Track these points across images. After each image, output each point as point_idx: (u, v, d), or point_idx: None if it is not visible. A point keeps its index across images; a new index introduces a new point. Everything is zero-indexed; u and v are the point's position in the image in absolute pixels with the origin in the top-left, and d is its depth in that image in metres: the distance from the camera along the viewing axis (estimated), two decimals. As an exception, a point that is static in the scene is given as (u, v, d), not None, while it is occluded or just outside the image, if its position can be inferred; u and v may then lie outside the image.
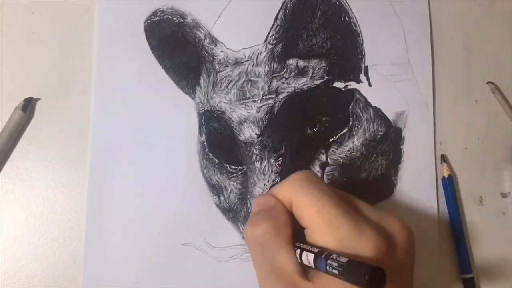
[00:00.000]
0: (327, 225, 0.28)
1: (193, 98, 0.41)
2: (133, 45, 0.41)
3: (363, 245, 0.27)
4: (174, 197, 0.40)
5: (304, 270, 0.29)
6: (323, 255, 0.27)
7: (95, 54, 0.41)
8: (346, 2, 0.42)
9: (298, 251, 0.29)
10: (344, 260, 0.25)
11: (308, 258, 0.28)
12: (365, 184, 0.41)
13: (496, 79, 0.44)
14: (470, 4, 0.45)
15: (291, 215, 0.30)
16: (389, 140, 0.42)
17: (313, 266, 0.27)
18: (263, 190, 0.39)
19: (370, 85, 0.42)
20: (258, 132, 0.40)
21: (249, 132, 0.40)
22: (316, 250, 0.27)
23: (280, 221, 0.30)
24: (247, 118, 0.40)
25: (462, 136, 0.43)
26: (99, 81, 0.41)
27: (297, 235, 0.30)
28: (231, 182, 0.41)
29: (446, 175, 0.41)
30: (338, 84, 0.41)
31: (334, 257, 0.26)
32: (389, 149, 0.42)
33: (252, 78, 0.41)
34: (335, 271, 0.25)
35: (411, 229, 0.30)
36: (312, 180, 0.30)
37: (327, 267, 0.26)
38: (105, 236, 0.39)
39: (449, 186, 0.41)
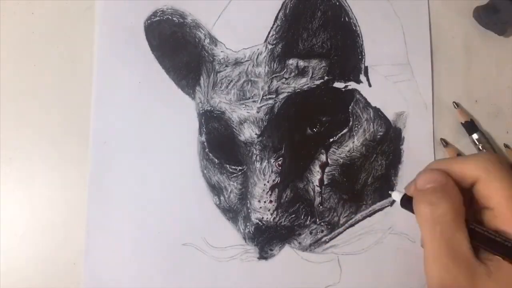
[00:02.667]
0: None
1: (193, 98, 0.41)
2: (133, 45, 0.41)
3: None
4: (174, 197, 0.40)
5: (476, 251, 0.29)
6: None
7: (95, 54, 0.41)
8: (346, 2, 0.42)
9: (482, 234, 0.29)
10: None
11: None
12: (365, 184, 0.41)
13: (496, 79, 0.44)
14: (470, 4, 0.45)
15: (464, 192, 0.30)
16: (389, 140, 0.42)
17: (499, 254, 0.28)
18: (263, 190, 0.39)
19: (370, 85, 0.42)
20: (258, 132, 0.40)
21: (249, 132, 0.40)
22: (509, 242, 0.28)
23: (459, 201, 0.29)
24: (247, 118, 0.40)
25: (462, 136, 0.43)
26: (99, 81, 0.41)
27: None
28: (231, 182, 0.41)
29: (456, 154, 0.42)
30: (338, 85, 0.41)
31: None
32: (389, 149, 0.42)
33: (252, 78, 0.41)
34: None
35: None
36: (503, 163, 0.30)
37: None
38: (105, 236, 0.39)
39: None
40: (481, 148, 0.42)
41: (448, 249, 0.29)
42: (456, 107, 0.43)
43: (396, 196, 0.34)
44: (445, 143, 0.42)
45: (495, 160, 0.30)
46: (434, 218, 0.29)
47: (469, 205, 0.30)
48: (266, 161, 0.40)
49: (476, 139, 0.42)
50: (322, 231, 0.40)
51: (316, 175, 0.41)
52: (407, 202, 0.33)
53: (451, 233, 0.29)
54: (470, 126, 0.42)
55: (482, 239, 0.29)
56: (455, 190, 0.30)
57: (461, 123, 0.43)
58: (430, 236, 0.30)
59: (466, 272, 0.28)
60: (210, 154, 0.41)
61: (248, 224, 0.40)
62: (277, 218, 0.40)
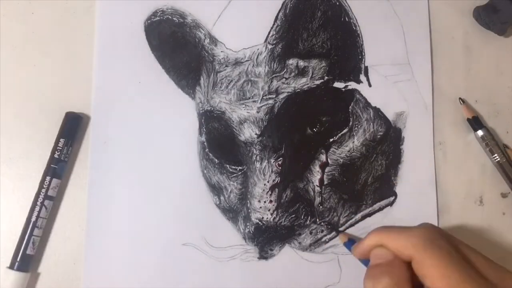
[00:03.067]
0: None
1: (193, 98, 0.41)
2: (133, 45, 0.41)
3: None
4: (174, 197, 0.40)
5: None
6: None
7: (95, 54, 0.41)
8: (346, 2, 0.42)
9: None
10: None
11: None
12: (365, 184, 0.41)
13: (496, 79, 0.44)
14: (470, 4, 0.45)
15: (410, 269, 0.30)
16: (389, 140, 0.42)
17: None
18: (263, 190, 0.39)
19: (370, 85, 0.42)
20: (258, 132, 0.40)
21: (249, 132, 0.40)
22: None
23: (401, 277, 0.30)
24: (247, 118, 0.40)
25: (462, 136, 0.43)
26: (99, 81, 0.41)
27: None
28: (231, 182, 0.41)
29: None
30: (338, 84, 0.41)
31: None
32: (389, 149, 0.42)
33: (252, 78, 0.41)
34: None
35: None
36: (435, 240, 0.30)
37: None
38: (105, 236, 0.39)
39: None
40: (485, 145, 0.42)
41: None
42: (462, 103, 0.43)
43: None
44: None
45: (425, 237, 0.30)
46: None
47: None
48: (266, 161, 0.40)
49: (481, 136, 0.42)
50: (322, 231, 0.40)
51: (316, 175, 0.41)
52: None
53: None
54: (476, 122, 0.42)
55: None
56: (397, 266, 0.30)
57: (467, 119, 0.43)
58: None
59: None
60: (210, 154, 0.41)
61: (248, 224, 0.40)
62: (277, 218, 0.40)
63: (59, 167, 0.39)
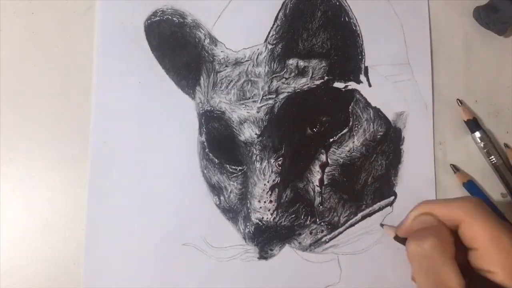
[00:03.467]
0: (501, 251, 0.29)
1: (193, 98, 0.42)
2: (133, 45, 0.41)
3: None
4: (174, 197, 0.40)
5: (468, 286, 0.30)
6: None
7: (95, 54, 0.41)
8: (346, 2, 0.42)
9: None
10: None
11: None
12: (365, 184, 0.41)
13: (496, 79, 0.44)
14: (470, 4, 0.45)
15: (454, 234, 0.31)
16: (389, 140, 0.42)
17: None
18: (263, 190, 0.39)
19: (370, 85, 0.42)
20: (258, 132, 0.40)
21: (249, 132, 0.40)
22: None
23: (447, 239, 0.31)
24: (247, 118, 0.40)
25: (462, 136, 0.43)
26: (99, 81, 0.41)
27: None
28: (231, 182, 0.41)
29: (465, 181, 0.42)
30: (338, 85, 0.41)
31: None
32: (389, 149, 0.42)
33: (252, 78, 0.41)
34: None
35: None
36: (484, 206, 0.31)
37: None
38: (105, 236, 0.39)
39: (474, 188, 0.42)
40: (482, 147, 0.42)
41: (435, 283, 0.30)
42: (460, 104, 0.43)
43: (389, 232, 0.38)
44: (456, 169, 0.42)
45: (476, 203, 0.31)
46: (421, 252, 0.31)
47: (457, 247, 0.31)
48: (266, 161, 0.40)
49: (479, 137, 0.42)
50: (322, 231, 0.40)
51: (316, 175, 0.41)
52: (399, 239, 0.36)
53: (438, 267, 0.30)
54: (473, 124, 0.42)
55: (471, 278, 0.30)
56: (443, 229, 0.31)
57: (464, 121, 0.43)
58: (418, 270, 0.31)
59: None
60: (210, 154, 0.41)
61: (248, 224, 0.40)
62: (277, 218, 0.40)
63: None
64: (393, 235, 0.37)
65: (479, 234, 0.30)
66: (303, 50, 0.41)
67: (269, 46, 0.41)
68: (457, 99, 0.43)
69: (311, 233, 0.40)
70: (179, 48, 0.42)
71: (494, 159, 0.42)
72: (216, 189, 0.41)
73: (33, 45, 0.41)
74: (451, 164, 0.42)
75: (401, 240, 0.36)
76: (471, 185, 0.42)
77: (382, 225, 0.41)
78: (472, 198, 0.32)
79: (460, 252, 0.31)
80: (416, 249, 0.31)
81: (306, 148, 0.41)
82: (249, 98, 0.40)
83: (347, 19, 0.42)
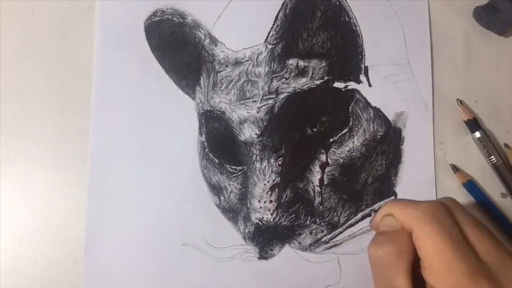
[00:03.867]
0: (442, 266, 0.28)
1: (193, 98, 0.42)
2: (133, 45, 0.41)
3: None
4: (174, 197, 0.40)
5: None
6: None
7: (95, 54, 0.41)
8: (346, 2, 0.42)
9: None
10: None
11: None
12: (365, 184, 0.41)
13: (496, 79, 0.44)
14: (470, 4, 0.45)
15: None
16: (389, 140, 0.42)
17: None
18: (263, 190, 0.39)
19: (370, 85, 0.42)
20: (258, 132, 0.40)
21: (249, 132, 0.40)
22: None
23: (403, 247, 0.30)
24: (247, 118, 0.40)
25: (462, 136, 0.43)
26: (99, 81, 0.41)
27: (415, 262, 0.31)
28: (231, 182, 0.41)
29: (465, 181, 0.42)
30: (338, 84, 0.41)
31: None
32: (389, 149, 0.42)
33: (252, 78, 0.41)
34: None
35: None
36: (437, 215, 0.30)
37: None
38: (105, 236, 0.39)
39: (473, 188, 0.42)
40: (482, 147, 0.42)
41: None
42: (460, 104, 0.43)
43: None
44: (456, 169, 0.42)
45: (428, 211, 0.30)
46: (377, 258, 0.31)
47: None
48: (266, 161, 0.40)
49: (478, 138, 0.42)
50: (322, 231, 0.40)
51: (316, 175, 0.41)
52: None
53: (391, 275, 0.30)
54: (473, 124, 0.42)
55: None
56: (403, 236, 0.31)
57: (464, 121, 0.43)
58: (373, 274, 0.32)
59: None
60: (210, 154, 0.41)
61: (248, 224, 0.40)
62: (277, 218, 0.40)
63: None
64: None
65: (424, 244, 0.29)
66: (303, 50, 0.41)
67: (269, 46, 0.41)
68: (457, 99, 0.43)
69: (311, 233, 0.40)
70: (179, 48, 0.42)
71: (494, 159, 0.42)
72: (216, 189, 0.41)
73: (33, 45, 0.41)
74: (451, 164, 0.42)
75: None
76: (471, 185, 0.42)
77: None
78: (434, 204, 0.31)
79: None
80: (373, 254, 0.31)
81: (306, 148, 0.41)
82: (249, 98, 0.40)
83: (347, 19, 0.42)
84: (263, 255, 0.40)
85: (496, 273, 0.29)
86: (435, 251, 0.29)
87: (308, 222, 0.40)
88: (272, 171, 0.40)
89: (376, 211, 0.41)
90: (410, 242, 0.30)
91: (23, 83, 0.41)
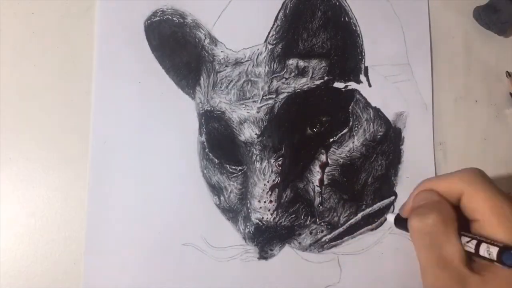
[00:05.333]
0: (503, 220, 0.29)
1: (193, 98, 0.41)
2: (133, 45, 0.41)
3: None
4: (174, 197, 0.40)
5: (470, 262, 0.29)
6: None
7: (95, 54, 0.41)
8: (346, 2, 0.42)
9: (471, 242, 0.29)
10: None
11: (490, 250, 0.28)
12: (365, 184, 0.41)
13: (496, 80, 0.44)
14: (470, 4, 0.45)
15: (456, 208, 0.31)
16: (389, 140, 0.42)
17: (494, 258, 0.28)
18: (263, 190, 0.39)
19: (370, 85, 0.42)
20: (258, 132, 0.40)
21: (249, 132, 0.40)
22: (502, 244, 0.28)
23: (448, 213, 0.30)
24: (247, 118, 0.40)
25: (462, 136, 0.43)
26: (99, 81, 0.41)
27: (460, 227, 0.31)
28: (231, 182, 0.41)
29: None
30: (338, 85, 0.41)
31: None
32: (389, 149, 0.42)
33: (252, 78, 0.41)
34: None
35: None
36: (485, 176, 0.31)
37: None
38: (105, 236, 0.39)
39: None
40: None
41: (438, 258, 0.30)
42: (509, 76, 0.42)
43: (391, 217, 0.36)
44: (509, 74, 0.42)
45: (476, 173, 0.31)
46: (423, 228, 0.30)
47: (461, 222, 0.31)
48: (266, 161, 0.40)
49: None
50: (322, 231, 0.40)
51: (316, 175, 0.41)
52: (400, 222, 0.34)
53: (441, 243, 0.30)
54: None
55: (475, 248, 0.29)
56: (445, 204, 0.31)
57: (510, 93, 0.42)
58: (420, 245, 0.31)
59: (457, 281, 0.29)
60: (210, 154, 0.41)
61: (248, 224, 0.40)
62: (277, 218, 0.40)
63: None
64: (393, 219, 0.36)
65: (480, 205, 0.29)
66: (303, 50, 0.41)
67: (269, 46, 0.41)
68: (506, 71, 0.42)
69: (311, 233, 0.40)
70: (179, 48, 0.42)
71: None
72: (216, 189, 0.41)
73: (33, 45, 0.41)
74: (507, 71, 0.42)
75: (403, 225, 0.34)
76: None
77: (386, 216, 0.40)
78: (472, 169, 0.32)
79: (463, 227, 0.31)
80: (418, 225, 0.31)
81: (306, 148, 0.41)
82: (249, 98, 0.40)
83: (347, 19, 0.42)
84: (263, 255, 0.40)
85: None
86: (493, 207, 0.29)
87: (308, 222, 0.40)
88: (272, 171, 0.40)
89: (376, 211, 0.41)
90: (453, 209, 0.31)
91: (23, 83, 0.41)
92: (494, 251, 0.28)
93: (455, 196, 0.31)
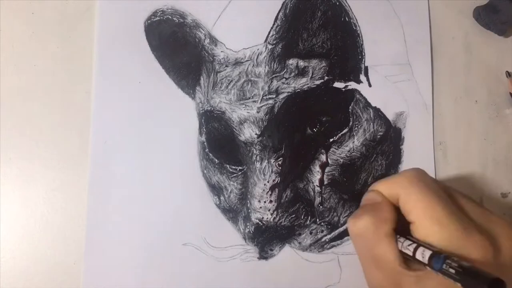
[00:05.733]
0: (434, 223, 0.29)
1: (193, 98, 0.41)
2: (133, 45, 0.41)
3: (470, 248, 0.28)
4: (174, 197, 0.40)
5: (405, 261, 0.30)
6: (443, 255, 0.27)
7: (95, 54, 0.41)
8: (346, 2, 0.42)
9: (411, 246, 0.29)
10: (465, 265, 0.26)
11: (424, 254, 0.28)
12: (365, 184, 0.41)
13: (496, 79, 0.44)
14: (470, 4, 0.45)
15: (396, 210, 0.31)
16: (389, 140, 0.42)
17: (425, 262, 0.28)
18: (263, 190, 0.39)
19: (370, 85, 0.42)
20: (258, 132, 0.40)
21: (249, 132, 0.40)
22: (435, 249, 0.28)
23: (381, 215, 0.31)
24: (247, 118, 0.40)
25: (462, 136, 0.43)
26: (99, 81, 0.41)
27: (403, 229, 0.31)
28: (231, 182, 0.41)
29: None
30: (338, 85, 0.41)
31: (454, 259, 0.27)
32: (389, 149, 0.42)
33: (252, 78, 0.41)
34: (452, 271, 0.26)
35: None
36: (421, 178, 0.31)
37: (444, 266, 0.27)
38: (105, 236, 0.39)
39: None
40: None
41: (372, 258, 0.30)
42: (509, 76, 0.42)
43: None
44: (509, 75, 0.42)
45: (413, 175, 0.31)
46: (356, 230, 0.32)
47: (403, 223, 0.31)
48: (266, 161, 0.40)
49: None
50: (322, 231, 0.40)
51: (316, 175, 0.41)
52: None
53: (372, 244, 0.30)
54: None
55: (413, 251, 0.30)
56: (382, 207, 0.31)
57: (510, 93, 0.42)
58: (355, 246, 0.32)
59: (392, 280, 0.29)
60: (210, 154, 0.41)
61: (248, 224, 0.40)
62: (277, 218, 0.40)
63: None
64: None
65: (414, 206, 0.30)
66: (303, 50, 0.41)
67: (269, 46, 0.41)
68: (506, 71, 0.42)
69: (311, 233, 0.40)
70: (179, 48, 0.42)
71: None
72: (216, 189, 0.41)
73: (33, 45, 0.41)
74: (507, 71, 0.42)
75: None
76: None
77: None
78: (410, 170, 0.32)
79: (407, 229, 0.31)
80: (351, 228, 0.32)
81: (306, 148, 0.41)
82: (249, 98, 0.40)
83: (347, 19, 0.42)
84: (263, 255, 0.40)
85: (486, 228, 0.29)
86: (425, 208, 0.29)
87: (308, 222, 0.40)
88: (272, 171, 0.40)
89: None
90: (390, 211, 0.31)
91: (23, 83, 0.41)
92: (427, 254, 0.28)
93: (394, 198, 0.31)
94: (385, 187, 0.33)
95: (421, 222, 0.29)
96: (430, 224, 0.29)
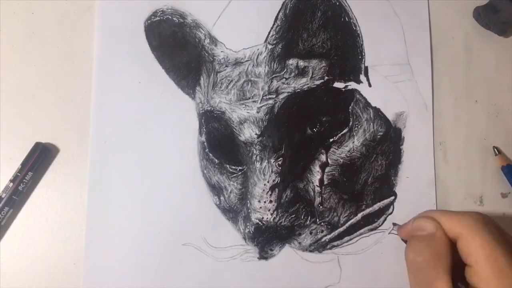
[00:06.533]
0: (495, 272, 0.29)
1: (193, 98, 0.41)
2: (133, 45, 0.41)
3: None
4: (174, 197, 0.40)
5: None
6: None
7: (95, 54, 0.41)
8: (346, 2, 0.42)
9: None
10: None
11: None
12: (365, 184, 0.41)
13: (496, 79, 0.44)
14: (470, 4, 0.45)
15: (451, 246, 0.31)
16: (389, 140, 0.42)
17: None
18: (263, 190, 0.39)
19: (370, 85, 0.42)
20: (258, 132, 0.40)
21: (249, 132, 0.40)
22: None
23: (441, 251, 0.31)
24: (247, 118, 0.40)
25: (462, 136, 0.43)
26: (99, 81, 0.41)
27: (453, 266, 0.31)
28: (231, 182, 0.41)
29: (504, 164, 0.42)
30: (338, 85, 0.41)
31: None
32: (389, 149, 0.42)
33: (252, 78, 0.41)
34: None
35: None
36: (486, 222, 0.31)
37: None
38: (105, 236, 0.39)
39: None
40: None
41: None
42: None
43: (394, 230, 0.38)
44: (498, 152, 0.42)
45: (478, 219, 0.31)
46: (415, 264, 0.31)
47: (456, 260, 0.31)
48: (266, 161, 0.40)
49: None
50: (322, 231, 0.40)
51: (316, 175, 0.41)
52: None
53: (431, 280, 0.30)
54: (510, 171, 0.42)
55: None
56: (441, 241, 0.31)
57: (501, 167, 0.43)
58: (412, 279, 0.32)
59: None
60: (210, 154, 0.41)
61: (248, 224, 0.40)
62: (277, 218, 0.40)
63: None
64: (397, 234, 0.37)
65: (475, 251, 0.30)
66: (303, 50, 0.41)
67: (269, 46, 0.41)
68: (494, 147, 0.43)
69: (311, 233, 0.40)
70: (179, 48, 0.42)
71: None
72: (216, 189, 0.41)
73: (33, 45, 0.41)
74: (493, 146, 0.42)
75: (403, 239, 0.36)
76: (509, 169, 0.42)
77: (394, 224, 0.40)
78: (473, 213, 0.32)
79: (459, 264, 0.31)
80: (411, 261, 0.32)
81: (306, 148, 0.41)
82: (249, 98, 0.40)
83: (347, 19, 0.42)
84: (263, 255, 0.40)
85: None
86: (487, 257, 0.29)
87: (308, 222, 0.40)
88: (272, 171, 0.40)
89: (376, 211, 0.41)
90: (447, 246, 0.31)
91: (23, 83, 0.41)
92: None
93: (453, 234, 0.31)
94: (447, 220, 0.32)
95: (481, 268, 0.29)
96: (490, 273, 0.29)
